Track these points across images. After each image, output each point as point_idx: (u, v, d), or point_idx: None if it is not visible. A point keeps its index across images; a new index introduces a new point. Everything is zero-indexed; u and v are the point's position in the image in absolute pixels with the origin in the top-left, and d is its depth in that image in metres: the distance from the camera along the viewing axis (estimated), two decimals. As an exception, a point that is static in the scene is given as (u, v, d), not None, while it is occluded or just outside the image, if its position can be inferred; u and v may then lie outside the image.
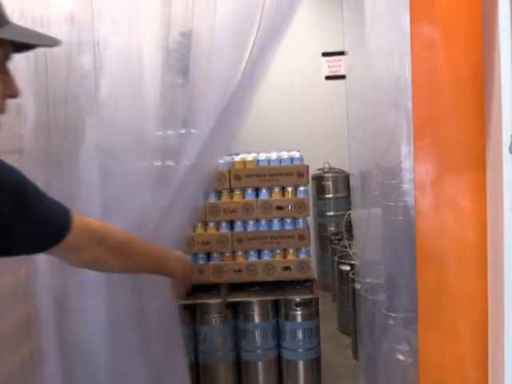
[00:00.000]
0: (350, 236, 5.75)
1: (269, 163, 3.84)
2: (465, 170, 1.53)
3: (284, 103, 6.64)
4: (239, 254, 3.80)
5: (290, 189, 3.75)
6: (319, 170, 6.52)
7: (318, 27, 6.65)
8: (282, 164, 3.84)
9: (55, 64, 2.21)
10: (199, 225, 3.78)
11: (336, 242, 5.90)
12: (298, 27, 6.43)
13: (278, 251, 3.78)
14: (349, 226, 5.61)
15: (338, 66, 6.59)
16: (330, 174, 6.39)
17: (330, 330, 5.39)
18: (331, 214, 6.37)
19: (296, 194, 3.74)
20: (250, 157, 3.84)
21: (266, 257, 3.78)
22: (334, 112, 6.55)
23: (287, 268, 3.75)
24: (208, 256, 3.82)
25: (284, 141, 6.47)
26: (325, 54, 6.60)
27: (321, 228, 6.44)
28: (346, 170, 6.48)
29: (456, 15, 1.49)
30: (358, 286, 4.51)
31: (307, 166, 3.75)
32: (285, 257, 3.79)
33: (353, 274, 4.71)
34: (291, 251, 3.78)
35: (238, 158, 3.83)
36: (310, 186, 6.31)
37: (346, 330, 5.25)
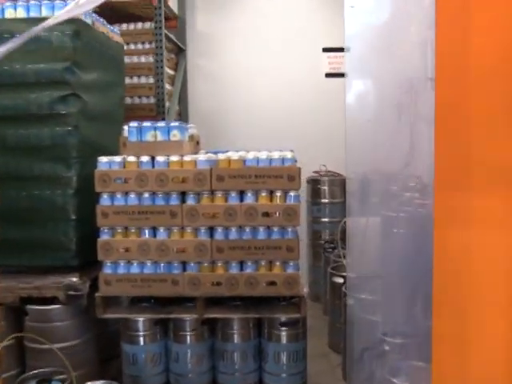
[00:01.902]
0: (346, 245, 5.27)
1: (257, 163, 3.34)
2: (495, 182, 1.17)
3: (280, 100, 6.14)
4: (219, 264, 3.29)
5: (278, 193, 3.25)
6: (315, 172, 6.02)
7: (319, 20, 6.14)
8: (272, 165, 3.33)
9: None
10: (175, 230, 3.28)
11: (330, 250, 5.41)
12: (296, 19, 5.97)
13: (262, 263, 3.28)
14: (344, 235, 5.12)
15: (339, 62, 6.07)
16: (327, 178, 5.88)
17: (320, 347, 4.88)
18: (326, 220, 5.87)
19: (285, 200, 3.24)
20: (236, 155, 3.33)
21: (249, 269, 3.27)
22: (334, 111, 6.07)
23: (272, 283, 3.25)
24: (183, 265, 3.32)
25: (278, 140, 5.96)
26: (326, 50, 6.08)
27: (314, 235, 5.94)
28: (344, 173, 5.99)
29: None
30: (350, 302, 4.04)
31: (299, 169, 3.25)
32: (270, 270, 3.29)
33: (346, 288, 4.24)
34: (278, 264, 3.27)
35: (222, 156, 3.32)
36: (305, 190, 5.83)
37: (336, 348, 4.74)
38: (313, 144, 6.06)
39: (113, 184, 3.26)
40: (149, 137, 3.29)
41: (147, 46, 5.23)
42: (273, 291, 3.26)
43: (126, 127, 3.37)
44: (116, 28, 4.34)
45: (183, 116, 6.09)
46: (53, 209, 3.49)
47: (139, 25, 5.28)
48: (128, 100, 5.16)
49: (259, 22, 6.14)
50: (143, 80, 5.16)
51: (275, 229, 3.25)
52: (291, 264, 3.27)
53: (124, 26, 5.30)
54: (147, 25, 5.25)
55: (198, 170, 3.23)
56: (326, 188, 5.85)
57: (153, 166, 3.28)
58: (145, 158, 3.27)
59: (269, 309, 3.35)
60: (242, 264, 3.29)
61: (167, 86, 5.42)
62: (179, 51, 6.01)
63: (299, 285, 3.27)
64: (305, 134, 6.10)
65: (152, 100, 5.13)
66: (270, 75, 6.13)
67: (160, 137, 3.30)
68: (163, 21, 5.05)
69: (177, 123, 3.33)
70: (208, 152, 4.02)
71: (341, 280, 4.64)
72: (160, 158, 3.26)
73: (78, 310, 3.50)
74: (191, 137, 3.63)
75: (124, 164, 3.29)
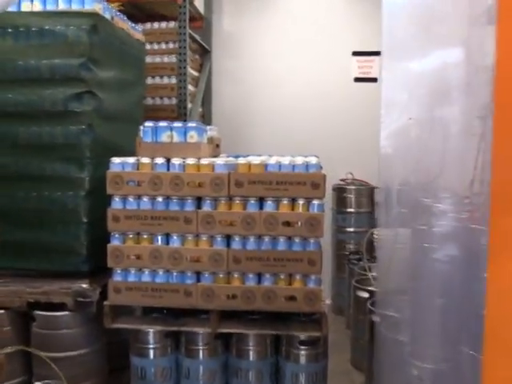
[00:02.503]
0: (371, 257, 4.99)
1: (279, 168, 3.09)
2: None
3: (307, 104, 5.88)
4: (235, 275, 3.05)
5: (301, 202, 2.99)
6: (341, 180, 5.74)
7: (350, 23, 5.87)
8: (295, 171, 3.08)
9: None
10: (189, 237, 3.05)
11: (355, 262, 5.12)
12: (327, 21, 5.72)
13: (282, 276, 3.02)
14: (370, 246, 4.84)
15: (370, 67, 5.79)
16: (353, 187, 5.60)
17: (341, 364, 4.59)
18: (351, 230, 5.59)
19: (308, 209, 2.98)
20: (256, 160, 3.09)
21: (267, 282, 3.02)
22: (362, 118, 5.79)
23: (292, 298, 2.99)
24: (197, 275, 3.09)
25: (304, 146, 5.69)
26: (356, 54, 5.82)
27: (339, 245, 5.65)
28: (371, 182, 5.70)
29: None
30: (376, 319, 3.77)
31: (324, 176, 2.99)
32: (290, 284, 3.02)
33: (372, 303, 3.96)
34: (298, 278, 3.01)
35: (242, 161, 3.08)
36: (330, 198, 5.56)
37: (359, 365, 4.45)
38: (340, 150, 5.79)
39: (125, 186, 3.05)
40: (164, 137, 3.07)
41: (171, 45, 5.04)
42: (292, 307, 3.00)
43: (141, 127, 3.16)
44: (138, 26, 4.15)
45: (206, 118, 5.88)
46: (63, 211, 3.31)
47: (163, 24, 5.10)
48: (149, 100, 4.98)
49: (288, 24, 5.90)
50: (165, 80, 4.97)
51: (296, 239, 2.99)
52: (313, 278, 3.00)
53: (148, 26, 5.12)
54: (171, 24, 5.07)
55: (216, 174, 3.00)
56: (352, 197, 5.57)
57: (168, 169, 3.06)
58: (159, 160, 3.06)
59: (287, 325, 3.09)
60: (259, 276, 3.04)
61: (190, 87, 5.22)
62: (204, 52, 5.81)
63: (321, 300, 3.00)
64: (332, 139, 5.83)
65: (174, 101, 4.94)
66: (298, 78, 5.88)
67: (176, 138, 3.07)
68: (187, 20, 4.85)
69: (194, 124, 3.10)
70: (229, 156, 3.80)
71: (365, 294, 4.35)
72: (175, 161, 3.04)
73: (86, 318, 3.30)
74: (210, 139, 3.40)
75: (138, 166, 3.08)
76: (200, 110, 5.68)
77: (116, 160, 3.09)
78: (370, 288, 4.30)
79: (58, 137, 3.30)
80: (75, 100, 3.28)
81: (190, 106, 5.19)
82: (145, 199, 3.06)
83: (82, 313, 3.30)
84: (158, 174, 3.03)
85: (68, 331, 3.30)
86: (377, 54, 5.79)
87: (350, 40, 5.83)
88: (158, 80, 4.98)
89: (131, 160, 3.08)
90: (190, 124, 3.10)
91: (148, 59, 5.02)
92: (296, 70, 5.87)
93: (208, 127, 3.48)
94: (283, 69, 5.89)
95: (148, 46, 5.09)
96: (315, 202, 2.98)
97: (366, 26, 5.77)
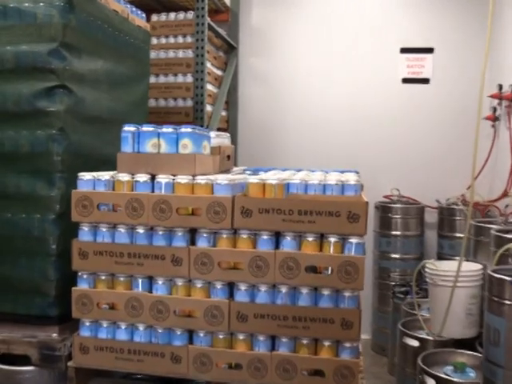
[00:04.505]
0: (421, 290, 4.00)
1: (305, 190, 2.18)
2: None
3: (344, 109, 4.91)
4: (240, 338, 2.14)
5: (333, 239, 2.06)
6: (385, 197, 4.75)
7: (397, 15, 4.88)
8: (326, 193, 2.16)
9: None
10: (179, 283, 2.16)
11: (400, 295, 4.15)
12: (370, 15, 4.70)
13: (304, 342, 2.09)
14: (420, 278, 3.87)
15: (421, 66, 4.80)
16: (399, 205, 4.61)
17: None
18: (397, 256, 4.60)
19: (343, 250, 2.05)
20: (274, 178, 2.18)
21: (284, 349, 2.10)
22: (411, 124, 4.81)
23: (318, 372, 2.06)
24: (189, 335, 2.19)
25: (342, 156, 4.78)
26: (404, 51, 4.82)
27: (381, 273, 4.67)
28: (421, 200, 4.70)
29: None
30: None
31: (366, 204, 2.05)
32: (316, 353, 2.09)
33: (423, 358, 3.01)
34: (327, 345, 2.08)
35: (253, 179, 2.17)
36: (372, 218, 4.60)
37: (406, 430, 3.47)
38: (384, 162, 4.82)
39: (96, 212, 2.19)
40: (149, 146, 2.20)
41: (189, 39, 4.19)
42: (317, 384, 2.07)
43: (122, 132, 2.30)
44: (140, 11, 3.31)
45: (231, 124, 5.00)
46: (28, 239, 2.48)
47: (181, 15, 4.26)
48: (161, 102, 4.15)
49: (326, 17, 4.95)
50: (180, 79, 4.13)
51: (325, 292, 2.06)
52: (347, 346, 2.06)
53: (163, 17, 4.30)
54: (190, 15, 4.22)
55: (215, 197, 2.10)
56: (398, 217, 4.58)
57: (152, 189, 2.18)
58: (141, 177, 2.19)
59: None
60: (273, 340, 2.13)
61: (211, 88, 4.36)
62: (230, 49, 4.94)
63: (358, 378, 2.05)
64: (374, 149, 4.86)
65: (189, 103, 4.08)
66: (335, 80, 4.93)
67: (165, 147, 2.20)
68: (206, 7, 3.99)
69: (189, 128, 2.21)
70: (245, 170, 2.90)
71: (415, 343, 3.37)
72: (162, 178, 2.17)
73: (54, 376, 2.49)
74: (217, 149, 2.52)
75: (113, 184, 2.22)
76: (224, 114, 4.81)
77: (85, 176, 2.25)
78: (420, 335, 3.33)
79: (23, 144, 2.49)
80: (44, 97, 2.46)
81: (210, 109, 4.33)
82: (121, 229, 2.19)
83: (49, 369, 2.49)
84: (139, 195, 2.15)
85: (32, 391, 2.51)
86: (430, 51, 4.81)
87: (396, 35, 4.84)
88: (171, 78, 4.14)
89: (105, 176, 2.23)
90: (184, 129, 2.21)
91: (161, 54, 4.21)
92: (333, 70, 4.92)
93: (214, 133, 2.59)
94: (319, 69, 4.95)
95: (163, 40, 4.28)
96: (353, 240, 2.04)
97: (414, 18, 4.79)
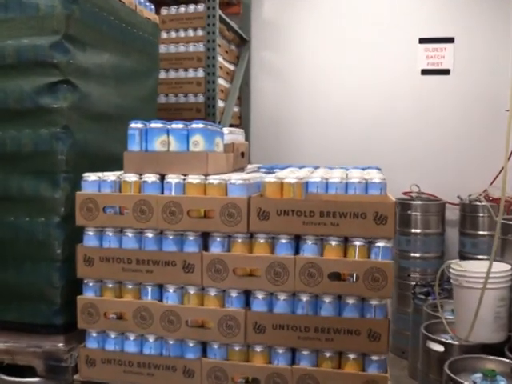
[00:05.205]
0: (442, 291, 3.80)
1: (325, 189, 2.00)
2: None
3: (362, 102, 4.70)
4: (257, 350, 1.96)
5: (358, 243, 1.87)
6: (405, 194, 4.54)
7: (415, 2, 4.65)
8: (349, 192, 1.98)
9: None
10: (191, 291, 1.99)
11: (421, 297, 3.95)
12: (387, 5, 4.51)
13: (327, 355, 1.91)
14: (441, 278, 3.66)
15: (441, 56, 4.57)
16: (419, 202, 4.39)
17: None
18: (417, 255, 4.38)
19: (370, 254, 1.86)
20: (293, 176, 2.00)
21: (305, 362, 1.92)
22: (430, 117, 4.59)
23: (343, 388, 1.88)
24: (203, 347, 2.02)
25: (359, 151, 4.59)
26: (423, 41, 4.60)
27: (401, 272, 4.46)
28: (442, 196, 4.48)
29: None
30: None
31: (394, 203, 1.86)
32: (340, 366, 1.91)
33: (450, 365, 2.81)
34: (352, 358, 1.90)
35: (271, 178, 2.00)
36: (391, 216, 4.39)
37: None
38: (402, 157, 4.60)
39: (101, 215, 2.03)
40: (157, 144, 2.03)
41: (200, 33, 4.02)
42: (342, 401, 1.89)
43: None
44: (148, 2, 3.14)
45: (244, 120, 4.82)
46: (32, 243, 2.34)
47: (191, 7, 4.08)
48: (171, 98, 3.98)
49: (342, 9, 4.74)
50: (191, 74, 3.95)
51: (350, 301, 1.88)
52: (375, 359, 1.88)
53: (173, 10, 4.13)
54: (201, 7, 4.04)
55: (230, 198, 1.93)
56: (418, 214, 4.36)
57: (161, 191, 2.02)
58: (149, 178, 2.02)
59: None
60: (293, 353, 1.95)
61: (223, 83, 4.18)
62: (242, 42, 4.75)
63: (387, 394, 1.88)
64: (392, 143, 4.65)
65: (201, 98, 3.91)
66: (350, 73, 4.71)
67: (175, 145, 2.02)
68: (218, 0, 3.81)
69: (201, 124, 2.04)
70: (260, 168, 2.72)
71: (440, 348, 3.17)
72: (172, 178, 2.00)
73: (61, 388, 2.34)
74: (231, 146, 2.34)
75: (119, 185, 2.06)
76: (236, 109, 4.63)
77: (90, 177, 2.08)
78: (445, 339, 3.13)
79: (25, 143, 2.34)
80: (47, 93, 2.31)
81: (222, 104, 4.15)
82: (128, 234, 2.03)
83: (55, 380, 2.35)
84: (147, 197, 1.99)
85: (37, 404, 2.37)
86: (450, 40, 4.59)
87: (414, 24, 4.62)
88: (181, 73, 3.97)
89: (111, 177, 2.06)
90: (196, 125, 2.04)
91: (171, 48, 4.04)
92: (348, 61, 4.71)
93: (227, 129, 2.42)
94: (335, 63, 4.73)
95: (173, 34, 4.11)
96: (380, 243, 1.86)
97: (433, 6, 4.56)
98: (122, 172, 2.11)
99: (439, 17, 4.56)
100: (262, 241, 1.93)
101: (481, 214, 4.25)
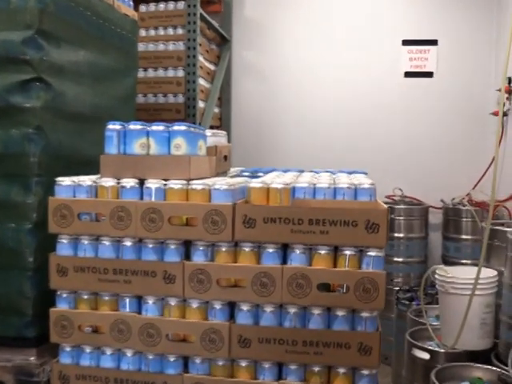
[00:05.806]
0: (426, 296, 3.74)
1: (313, 195, 1.92)
2: None
3: (344, 106, 4.64)
4: (242, 364, 1.87)
5: (348, 252, 1.79)
6: (388, 197, 4.49)
7: (399, 6, 4.61)
8: (337, 198, 1.90)
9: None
10: (171, 303, 1.88)
11: (405, 302, 3.89)
12: (370, 5, 4.42)
13: (315, 369, 1.83)
14: (426, 284, 3.61)
15: (424, 58, 4.54)
16: (403, 206, 4.35)
17: None
18: (400, 260, 4.34)
19: (361, 264, 1.78)
20: (277, 180, 1.90)
21: (293, 377, 1.83)
22: (414, 120, 4.54)
23: (332, 404, 1.80)
24: (185, 362, 1.92)
25: (343, 155, 4.51)
26: (406, 43, 4.56)
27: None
28: (426, 200, 4.45)
29: None
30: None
31: (386, 210, 1.78)
32: (329, 381, 1.83)
33: (437, 374, 2.74)
34: (342, 372, 1.81)
35: (257, 183, 1.90)
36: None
37: None
38: (385, 160, 4.55)
39: (76, 222, 1.91)
40: (137, 147, 1.92)
41: (180, 31, 3.90)
42: (331, 418, 1.80)
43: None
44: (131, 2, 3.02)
45: (224, 121, 4.71)
46: (2, 251, 2.21)
47: (171, 5, 3.97)
48: (150, 98, 3.86)
49: (323, 9, 4.67)
50: (171, 73, 3.83)
51: (340, 313, 1.80)
52: (365, 374, 1.80)
53: (152, 7, 4.00)
54: (181, 5, 3.93)
55: (214, 205, 1.82)
56: (401, 219, 4.32)
57: (141, 196, 1.90)
58: (128, 182, 1.90)
59: None
60: (280, 368, 1.86)
61: (203, 83, 4.07)
62: (223, 42, 4.65)
63: (378, 410, 1.80)
64: (375, 147, 4.59)
65: (181, 99, 3.80)
66: (333, 74, 4.64)
67: (155, 148, 1.91)
68: (198, -3, 3.71)
69: (183, 126, 1.93)
70: (243, 172, 2.62)
71: (425, 355, 3.12)
72: (152, 183, 1.89)
73: (33, 405, 2.20)
74: (213, 149, 2.24)
75: (96, 190, 1.94)
76: (216, 110, 4.52)
77: (64, 181, 1.96)
78: (430, 346, 3.07)
79: (-5, 144, 2.20)
80: (19, 91, 2.18)
81: (202, 105, 4.05)
82: (105, 242, 1.91)
83: (27, 397, 2.21)
84: (125, 203, 1.87)
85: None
86: (433, 42, 4.56)
87: (398, 26, 4.58)
88: (161, 72, 3.85)
89: (86, 181, 1.94)
90: (177, 127, 1.93)
91: (150, 47, 3.92)
92: (332, 62, 4.64)
93: (210, 131, 2.31)
94: (317, 63, 4.66)
95: (153, 32, 3.98)
96: (371, 253, 1.78)
97: (416, 8, 4.53)
98: (99, 176, 1.99)
99: (423, 19, 4.53)
100: (247, 250, 1.83)
101: (464, 218, 4.22)
